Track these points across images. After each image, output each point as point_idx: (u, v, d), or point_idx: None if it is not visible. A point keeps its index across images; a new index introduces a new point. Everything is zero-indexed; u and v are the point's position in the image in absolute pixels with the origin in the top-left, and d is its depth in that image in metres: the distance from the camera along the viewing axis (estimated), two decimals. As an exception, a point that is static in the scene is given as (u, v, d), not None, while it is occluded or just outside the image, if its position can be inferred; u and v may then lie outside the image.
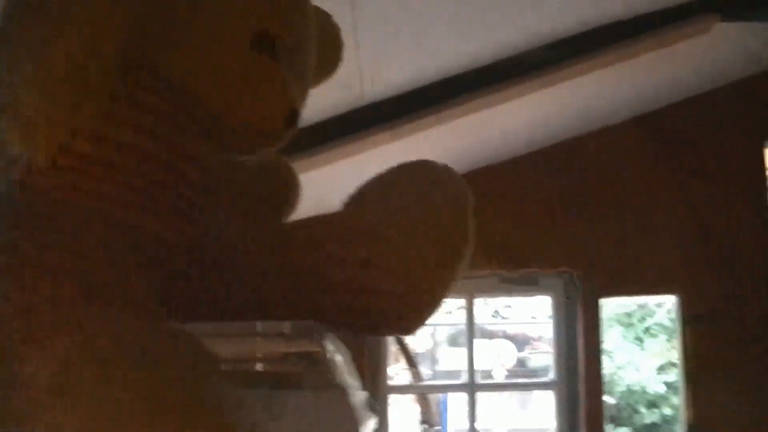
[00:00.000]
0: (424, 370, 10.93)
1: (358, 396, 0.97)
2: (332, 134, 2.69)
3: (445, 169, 1.07)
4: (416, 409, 7.26)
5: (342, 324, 1.01)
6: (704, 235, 3.76)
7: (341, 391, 0.91)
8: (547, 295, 3.92)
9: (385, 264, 0.95)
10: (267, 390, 0.88)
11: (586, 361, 3.71)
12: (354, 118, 2.68)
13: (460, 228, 1.03)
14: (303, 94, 1.12)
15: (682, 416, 3.71)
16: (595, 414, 3.68)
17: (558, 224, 3.75)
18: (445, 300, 1.02)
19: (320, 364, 0.91)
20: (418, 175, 1.07)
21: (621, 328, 10.50)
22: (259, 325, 0.97)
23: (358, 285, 0.96)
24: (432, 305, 1.01)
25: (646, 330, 10.58)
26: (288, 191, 1.29)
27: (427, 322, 1.01)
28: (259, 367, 1.01)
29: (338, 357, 0.99)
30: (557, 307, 3.87)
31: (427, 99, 2.66)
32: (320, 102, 2.53)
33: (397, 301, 0.97)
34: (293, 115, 1.07)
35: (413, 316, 1.00)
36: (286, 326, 0.92)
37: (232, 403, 0.73)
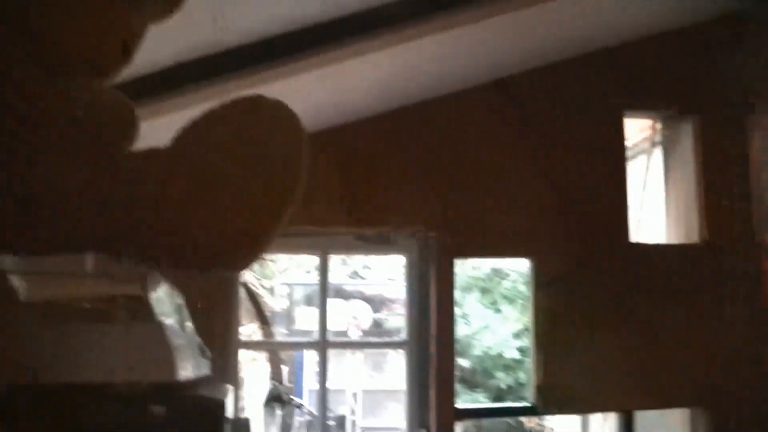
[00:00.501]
0: (281, 329, 10.94)
1: (180, 335, 0.96)
2: (187, 79, 2.62)
3: (277, 105, 1.05)
4: (268, 367, 7.29)
5: (170, 259, 1.00)
6: (560, 201, 3.86)
7: (155, 327, 0.90)
8: (402, 254, 3.96)
9: (214, 200, 0.94)
10: (78, 324, 0.86)
11: (438, 322, 3.77)
12: (209, 64, 2.61)
13: (292, 166, 1.03)
14: (141, 27, 1.10)
15: (532, 379, 3.82)
16: (446, 375, 3.74)
17: (414, 184, 3.77)
18: (275, 236, 1.02)
19: (139, 303, 0.90)
20: (249, 110, 1.06)
21: (479, 294, 10.79)
22: (82, 262, 0.95)
23: (185, 220, 0.95)
24: (261, 241, 1.02)
25: (504, 296, 10.91)
26: (124, 127, 1.26)
27: (258, 257, 1.01)
28: (81, 305, 0.99)
29: (162, 297, 0.97)
30: (411, 267, 3.91)
31: (284, 48, 2.62)
32: (175, 46, 2.47)
33: (225, 236, 0.97)
34: (128, 45, 1.04)
35: (243, 252, 1.00)
36: (102, 262, 0.90)
37: (32, 335, 0.70)
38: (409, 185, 3.78)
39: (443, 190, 3.79)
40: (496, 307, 10.91)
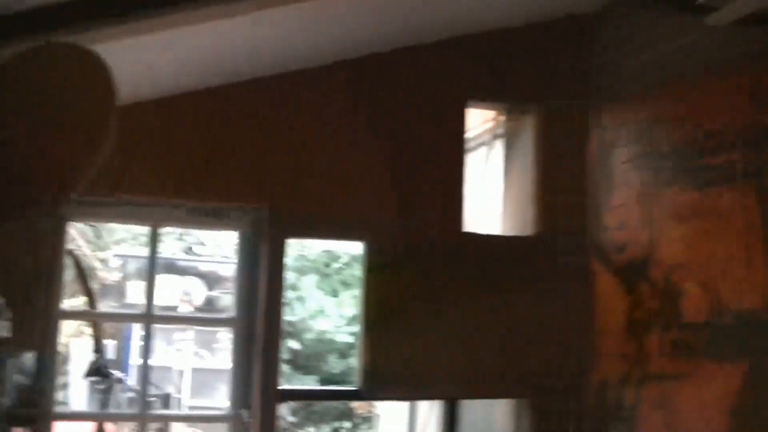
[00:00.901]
0: (111, 302, 10.56)
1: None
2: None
3: (89, 55, 1.07)
4: (91, 339, 7.06)
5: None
6: (397, 186, 3.82)
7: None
8: (234, 230, 3.82)
9: (18, 144, 0.92)
10: None
11: (266, 301, 3.67)
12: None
13: (100, 117, 1.04)
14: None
15: (359, 362, 3.78)
16: (272, 355, 3.65)
17: (250, 159, 3.64)
18: (86, 174, 1.05)
19: None
20: (63, 58, 1.15)
21: (317, 277, 10.82)
22: None
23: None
24: (71, 177, 1.12)
25: (342, 281, 10.98)
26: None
27: (63, 202, 1.03)
28: None
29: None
30: (243, 244, 3.79)
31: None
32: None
33: (34, 180, 1.06)
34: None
35: (50, 196, 1.13)
36: None
37: None
38: (245, 159, 3.65)
39: (280, 168, 3.68)
40: (333, 292, 10.97)
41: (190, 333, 10.40)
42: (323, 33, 3.42)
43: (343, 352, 10.45)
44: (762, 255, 3.03)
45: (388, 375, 3.76)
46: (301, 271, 10.38)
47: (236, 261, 3.83)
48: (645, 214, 3.63)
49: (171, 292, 9.92)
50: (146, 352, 3.94)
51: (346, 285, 10.82)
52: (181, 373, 10.26)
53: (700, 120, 3.37)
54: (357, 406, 10.15)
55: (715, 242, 3.25)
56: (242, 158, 3.65)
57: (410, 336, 3.79)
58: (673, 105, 3.54)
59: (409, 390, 3.86)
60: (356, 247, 4.27)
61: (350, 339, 10.07)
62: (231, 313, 3.89)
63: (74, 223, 5.26)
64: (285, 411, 9.54)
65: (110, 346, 9.12)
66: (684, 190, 3.42)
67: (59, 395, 8.68)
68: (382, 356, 3.75)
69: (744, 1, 2.88)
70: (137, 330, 9.28)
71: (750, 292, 3.06)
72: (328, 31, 3.40)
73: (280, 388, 3.66)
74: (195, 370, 10.32)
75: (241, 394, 3.73)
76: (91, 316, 6.54)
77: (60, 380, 9.03)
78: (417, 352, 3.79)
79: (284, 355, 3.76)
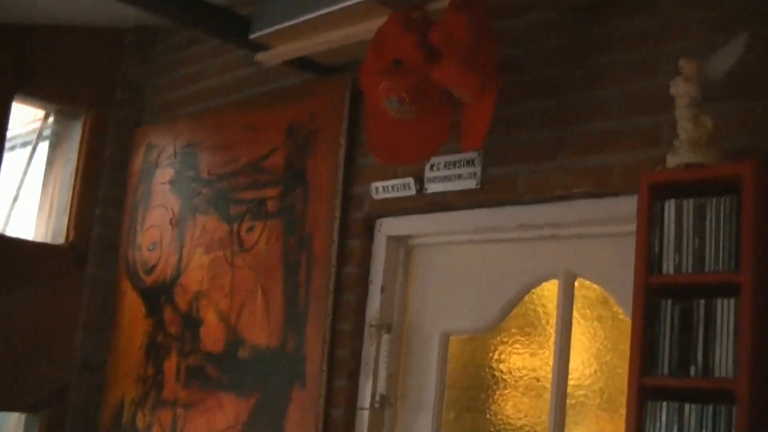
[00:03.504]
0: None
1: None
2: None
3: None
4: None
5: None
6: None
7: None
8: None
9: None
10: None
11: None
12: None
13: None
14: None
15: None
16: None
17: None
18: None
19: None
20: None
21: None
22: None
23: None
24: None
25: None
26: None
27: None
28: None
29: None
30: None
31: None
32: None
33: None
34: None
35: None
36: None
37: None
38: None
39: None
40: None
41: None
42: None
43: None
44: (280, 294, 3.05)
45: None
46: None
47: None
48: (177, 239, 3.53)
49: None
50: None
51: None
52: None
53: (239, 153, 3.35)
54: None
55: (239, 277, 3.21)
56: None
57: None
58: (216, 134, 3.49)
59: None
60: None
61: None
62: None
63: None
64: None
65: None
66: (216, 220, 3.37)
67: None
68: None
69: (294, 45, 2.91)
70: None
71: (267, 328, 3.05)
72: None
73: None
74: None
75: None
76: None
77: None
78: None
79: None
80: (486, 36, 2.39)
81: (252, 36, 2.92)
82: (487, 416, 2.59)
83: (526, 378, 2.53)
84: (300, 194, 3.06)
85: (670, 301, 1.90)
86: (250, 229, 3.21)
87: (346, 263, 2.91)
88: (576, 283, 2.45)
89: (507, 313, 2.59)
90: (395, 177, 2.80)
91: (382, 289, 2.85)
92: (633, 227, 2.00)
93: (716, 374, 1.80)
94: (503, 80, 2.44)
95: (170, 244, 3.55)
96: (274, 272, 3.09)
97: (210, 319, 3.28)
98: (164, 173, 3.68)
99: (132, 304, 3.68)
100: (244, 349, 3.12)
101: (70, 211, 3.75)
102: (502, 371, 2.59)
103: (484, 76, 2.37)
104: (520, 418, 2.51)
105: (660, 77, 2.19)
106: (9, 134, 3.68)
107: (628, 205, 2.11)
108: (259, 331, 3.08)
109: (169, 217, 3.59)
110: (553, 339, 2.45)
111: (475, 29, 2.35)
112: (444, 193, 2.67)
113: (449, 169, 2.65)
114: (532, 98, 2.50)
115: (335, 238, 2.91)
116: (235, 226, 3.27)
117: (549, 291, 2.52)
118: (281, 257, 3.07)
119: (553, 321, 2.48)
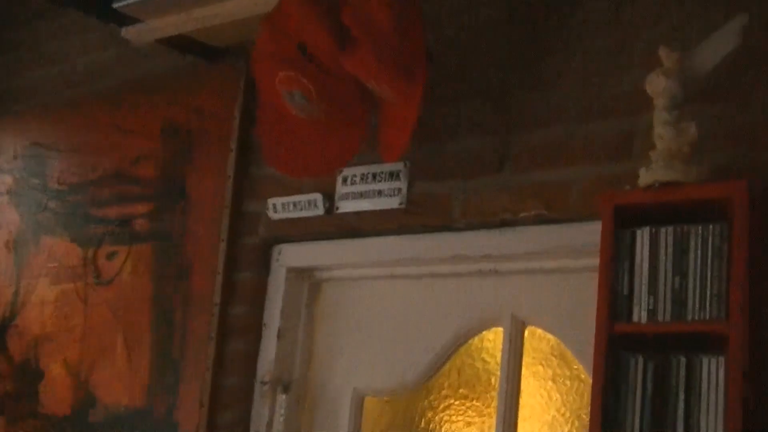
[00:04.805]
0: None
1: None
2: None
3: None
4: None
5: None
6: None
7: None
8: None
9: None
10: None
11: None
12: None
13: None
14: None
15: None
16: None
17: None
18: None
19: None
20: None
21: None
22: None
23: None
24: None
25: None
26: None
27: None
28: None
29: None
30: None
31: None
32: None
33: None
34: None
35: None
36: None
37: None
38: None
39: None
40: None
41: None
42: None
43: None
44: (148, 339, 3.02)
45: None
46: None
47: None
48: (13, 266, 3.50)
49: None
50: None
51: None
52: None
53: (100, 158, 3.35)
54: None
55: (95, 317, 3.18)
56: None
57: None
58: (72, 133, 3.48)
59: None
60: None
61: None
62: None
63: None
64: None
65: None
66: (67, 243, 3.35)
67: None
68: None
69: (170, 19, 2.87)
70: None
71: (128, 384, 3.02)
72: None
73: None
74: None
75: None
76: None
77: None
78: None
79: None
80: (412, 19, 2.39)
81: (117, 5, 2.86)
82: (412, 500, 2.59)
83: (460, 452, 2.52)
84: (177, 212, 3.04)
85: (641, 357, 1.88)
86: (110, 256, 3.18)
87: (235, 302, 2.89)
88: (525, 332, 2.43)
89: (437, 369, 2.57)
90: (299, 192, 2.79)
91: (280, 335, 2.81)
92: (595, 261, 1.98)
93: (699, 452, 1.81)
94: (433, 75, 2.43)
95: (4, 273, 3.51)
96: (141, 312, 3.05)
97: (54, 371, 3.23)
98: (4, 180, 3.64)
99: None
100: (97, 411, 3.08)
101: None
102: (430, 443, 2.56)
103: (409, 69, 2.36)
104: (452, 503, 2.52)
105: (632, 72, 2.19)
106: None
107: (588, 234, 2.10)
108: (119, 389, 3.04)
109: (4, 238, 3.55)
110: (495, 402, 2.43)
111: (398, 10, 2.34)
112: (360, 214, 2.67)
113: (367, 183, 2.66)
114: (470, 98, 2.51)
115: (221, 269, 2.88)
116: (92, 251, 3.23)
117: (491, 341, 2.51)
118: (150, 293, 3.04)
119: (496, 380, 2.46)
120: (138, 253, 3.10)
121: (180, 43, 3.00)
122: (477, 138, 2.47)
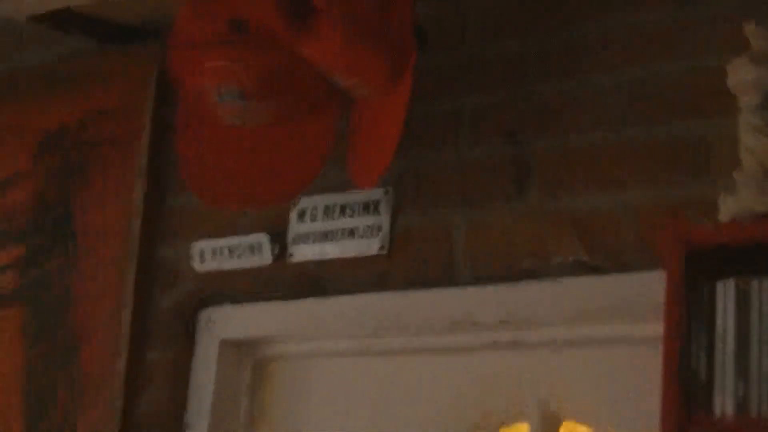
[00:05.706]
0: None
1: None
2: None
3: None
4: None
5: None
6: None
7: None
8: None
9: None
10: None
11: None
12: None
13: None
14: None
15: None
16: None
17: None
18: None
19: None
20: None
21: None
22: None
23: None
24: None
25: None
26: None
27: None
28: None
29: None
30: None
31: None
32: None
33: None
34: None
35: None
36: None
37: None
38: None
39: None
40: None
41: None
42: None
43: None
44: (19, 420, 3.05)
45: None
46: None
47: None
48: None
49: None
50: None
51: None
52: None
53: None
54: None
55: None
56: None
57: None
58: None
59: None
60: None
61: None
62: None
63: None
64: None
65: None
66: None
67: None
68: None
69: None
70: None
71: None
72: None
73: None
74: None
75: None
76: None
77: None
78: None
79: None
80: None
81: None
82: None
83: None
84: (61, 259, 3.06)
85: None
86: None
87: (145, 390, 2.93)
88: (561, 430, 2.43)
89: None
90: (235, 232, 2.83)
91: (210, 439, 2.85)
92: (657, 328, 1.98)
93: None
94: (426, 62, 2.46)
95: None
96: (7, 405, 3.05)
97: None
98: None
99: None
100: None
101: None
102: None
103: (393, 54, 2.39)
104: None
105: (702, 56, 2.21)
106: None
107: (647, 288, 2.11)
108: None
109: None
110: None
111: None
112: (323, 264, 2.73)
113: (333, 219, 2.70)
114: (477, 91, 2.53)
115: (125, 344, 2.90)
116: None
117: (512, 443, 2.56)
118: (22, 378, 3.07)
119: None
120: (3, 321, 3.13)
121: (64, 21, 3.03)
122: (486, 146, 2.48)
